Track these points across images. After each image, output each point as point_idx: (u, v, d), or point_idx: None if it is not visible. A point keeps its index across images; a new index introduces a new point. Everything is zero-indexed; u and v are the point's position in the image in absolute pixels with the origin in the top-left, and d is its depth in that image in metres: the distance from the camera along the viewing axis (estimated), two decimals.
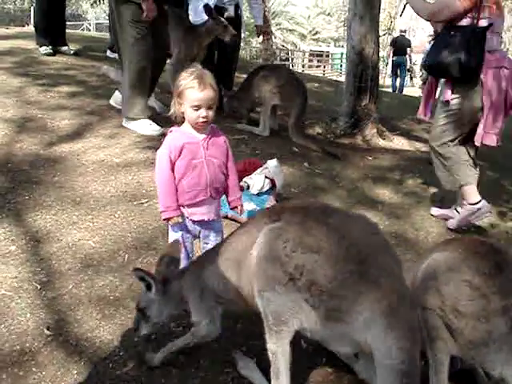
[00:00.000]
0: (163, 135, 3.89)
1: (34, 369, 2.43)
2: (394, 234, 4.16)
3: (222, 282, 2.37)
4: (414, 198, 4.97)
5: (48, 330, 2.67)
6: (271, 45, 23.03)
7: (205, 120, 2.74)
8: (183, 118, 2.82)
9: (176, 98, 2.77)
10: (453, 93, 4.11)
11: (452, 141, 4.22)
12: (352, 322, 1.94)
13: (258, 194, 3.97)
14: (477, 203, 4.24)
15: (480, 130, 4.07)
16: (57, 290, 2.97)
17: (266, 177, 4.04)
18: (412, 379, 1.92)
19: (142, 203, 4.01)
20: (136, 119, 5.23)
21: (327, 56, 35.02)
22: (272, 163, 4.12)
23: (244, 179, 4.04)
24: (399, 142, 6.95)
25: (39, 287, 2.98)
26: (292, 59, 32.33)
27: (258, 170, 4.12)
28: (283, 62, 27.56)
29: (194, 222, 2.87)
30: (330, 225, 2.06)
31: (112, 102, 5.78)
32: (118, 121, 5.46)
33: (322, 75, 24.40)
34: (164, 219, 2.81)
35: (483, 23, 3.92)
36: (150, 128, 5.23)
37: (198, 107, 2.71)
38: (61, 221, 3.63)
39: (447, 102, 4.14)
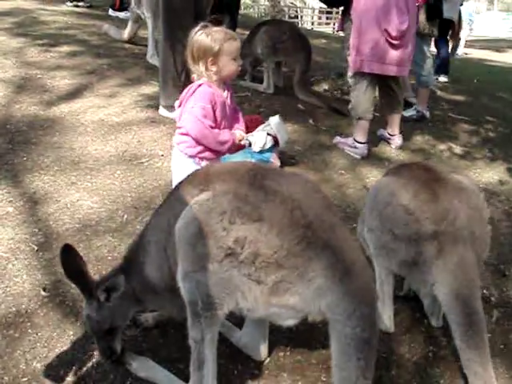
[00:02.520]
0: None
1: (29, 330, 2.40)
2: None
3: (159, 270, 2.12)
4: (422, 155, 4.88)
5: (44, 291, 2.63)
6: (279, 2, 22.54)
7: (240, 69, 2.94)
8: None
9: (209, 58, 2.79)
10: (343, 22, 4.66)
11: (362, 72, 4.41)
12: (303, 291, 1.79)
13: (260, 152, 3.83)
14: (359, 143, 4.54)
15: (352, 57, 4.38)
16: (54, 251, 2.91)
17: (269, 134, 3.89)
18: (372, 345, 1.83)
19: (142, 162, 3.93)
20: None
21: (337, 13, 34.29)
22: (274, 120, 3.98)
23: (245, 137, 3.93)
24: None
25: (36, 248, 2.93)
26: (301, 17, 31.70)
27: (260, 127, 3.98)
28: (292, 20, 27.00)
29: None
30: (267, 188, 1.87)
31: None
32: (118, 80, 5.37)
33: (332, 33, 23.90)
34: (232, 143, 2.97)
35: None
36: None
37: (235, 58, 2.84)
38: (59, 181, 3.57)
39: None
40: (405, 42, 4.21)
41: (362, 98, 4.43)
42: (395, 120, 4.81)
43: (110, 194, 3.50)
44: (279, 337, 2.43)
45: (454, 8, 6.28)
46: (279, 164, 4.01)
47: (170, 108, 4.51)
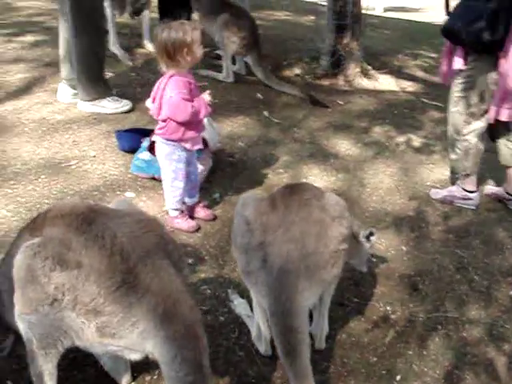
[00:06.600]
0: None
1: None
2: (336, 192, 3.92)
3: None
4: (374, 150, 4.70)
5: None
6: None
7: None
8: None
9: (184, 49, 3.07)
10: (465, 61, 3.78)
11: (473, 116, 3.82)
12: (128, 335, 1.80)
13: None
14: (472, 192, 4.04)
15: (494, 104, 3.70)
16: None
17: None
18: None
19: (71, 165, 3.88)
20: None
21: None
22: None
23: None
24: (385, 81, 6.61)
25: None
26: None
27: None
28: None
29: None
30: (90, 233, 1.86)
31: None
32: None
33: None
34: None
35: None
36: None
37: (201, 43, 3.15)
38: None
39: (460, 71, 3.81)
40: None
41: (479, 153, 3.95)
42: None
43: (27, 201, 3.46)
44: None
45: None
46: (211, 165, 3.93)
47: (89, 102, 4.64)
